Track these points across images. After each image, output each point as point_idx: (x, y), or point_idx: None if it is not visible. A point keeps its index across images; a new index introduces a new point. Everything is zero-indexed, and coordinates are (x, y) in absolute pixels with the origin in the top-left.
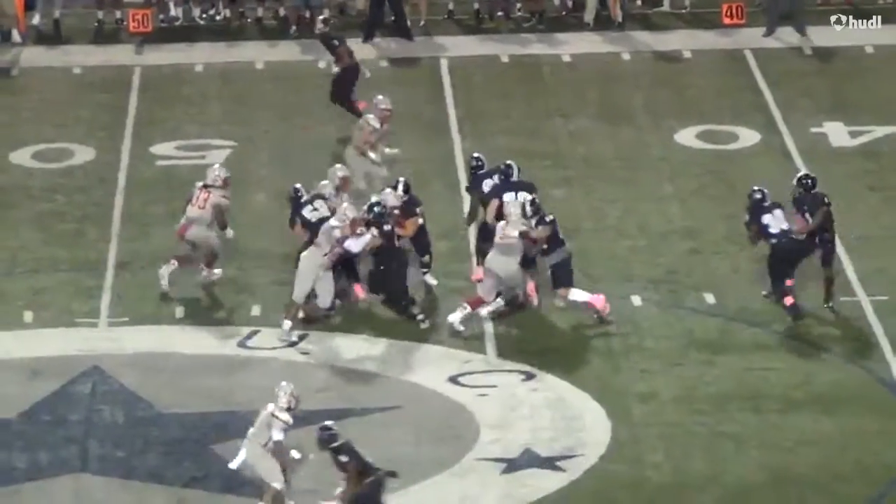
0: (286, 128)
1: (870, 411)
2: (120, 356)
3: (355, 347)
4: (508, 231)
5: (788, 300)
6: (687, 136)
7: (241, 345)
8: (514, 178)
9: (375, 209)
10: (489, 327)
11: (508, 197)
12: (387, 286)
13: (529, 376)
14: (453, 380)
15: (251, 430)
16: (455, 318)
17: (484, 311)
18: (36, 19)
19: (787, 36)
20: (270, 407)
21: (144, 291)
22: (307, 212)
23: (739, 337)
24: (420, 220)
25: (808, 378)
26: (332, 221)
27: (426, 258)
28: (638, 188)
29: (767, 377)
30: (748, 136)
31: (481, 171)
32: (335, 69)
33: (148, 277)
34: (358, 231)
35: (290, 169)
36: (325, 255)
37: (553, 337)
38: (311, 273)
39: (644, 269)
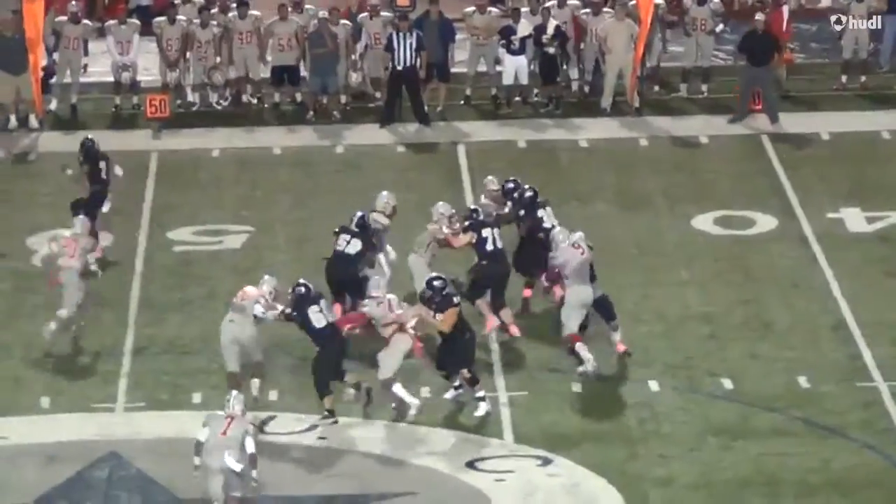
0: (303, 213)
1: (887, 497)
2: (137, 442)
3: (373, 432)
4: None
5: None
6: (704, 222)
7: (258, 429)
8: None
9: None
10: (506, 412)
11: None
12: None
13: (546, 461)
14: (471, 465)
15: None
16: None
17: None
18: (53, 104)
19: (803, 121)
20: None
21: (161, 377)
22: (312, 312)
23: (756, 422)
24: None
25: (825, 463)
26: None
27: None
28: (655, 274)
29: (785, 462)
30: (765, 222)
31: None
32: None
33: (164, 363)
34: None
35: (307, 255)
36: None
37: (570, 422)
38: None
39: (661, 354)
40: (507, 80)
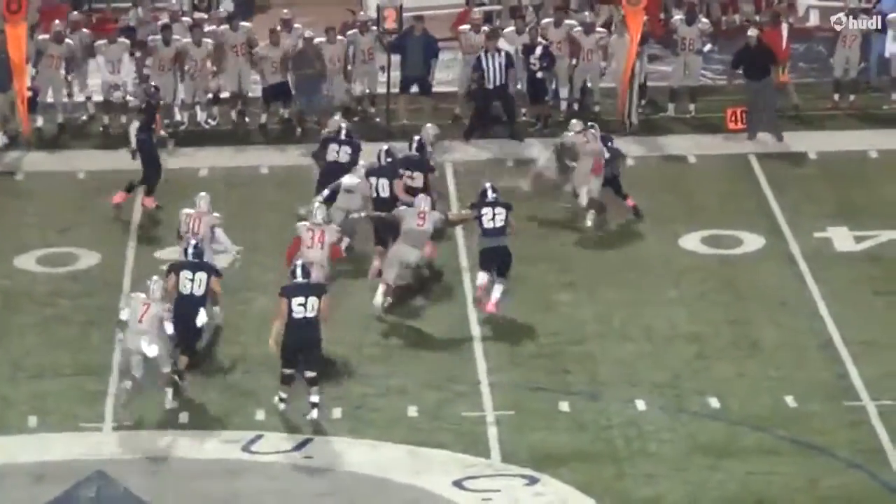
0: (290, 232)
1: None
2: (124, 461)
3: (359, 451)
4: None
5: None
6: (691, 241)
7: (245, 449)
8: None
9: None
10: (493, 431)
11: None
12: None
13: (533, 480)
14: (458, 484)
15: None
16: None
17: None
18: (40, 122)
19: (790, 140)
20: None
21: (148, 396)
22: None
23: (744, 441)
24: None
25: (812, 483)
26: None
27: None
28: (642, 293)
29: (772, 481)
30: (752, 241)
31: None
32: None
33: (152, 382)
34: None
35: None
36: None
37: (557, 441)
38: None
39: (648, 373)
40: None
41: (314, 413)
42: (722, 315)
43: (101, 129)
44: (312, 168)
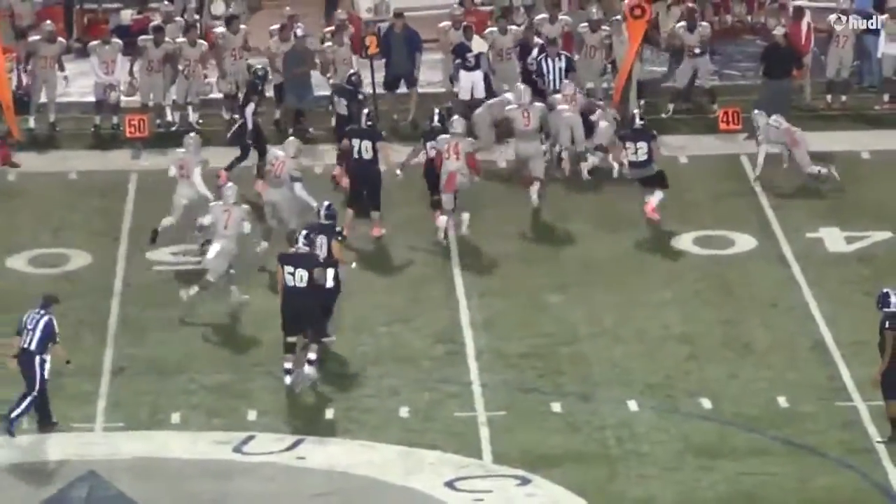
0: (285, 230)
1: None
2: (116, 461)
3: (352, 452)
4: None
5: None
6: (684, 242)
7: (237, 450)
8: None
9: None
10: (485, 432)
11: None
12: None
13: (525, 481)
14: (450, 485)
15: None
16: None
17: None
18: (31, 123)
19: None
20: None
21: (140, 397)
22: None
23: (736, 442)
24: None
25: (803, 483)
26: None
27: None
28: (635, 293)
29: (764, 482)
30: (744, 242)
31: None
32: None
33: (143, 383)
34: None
35: None
36: None
37: (549, 441)
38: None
39: (641, 374)
40: (464, 95)
41: (307, 369)
42: (714, 316)
43: (92, 129)
44: None
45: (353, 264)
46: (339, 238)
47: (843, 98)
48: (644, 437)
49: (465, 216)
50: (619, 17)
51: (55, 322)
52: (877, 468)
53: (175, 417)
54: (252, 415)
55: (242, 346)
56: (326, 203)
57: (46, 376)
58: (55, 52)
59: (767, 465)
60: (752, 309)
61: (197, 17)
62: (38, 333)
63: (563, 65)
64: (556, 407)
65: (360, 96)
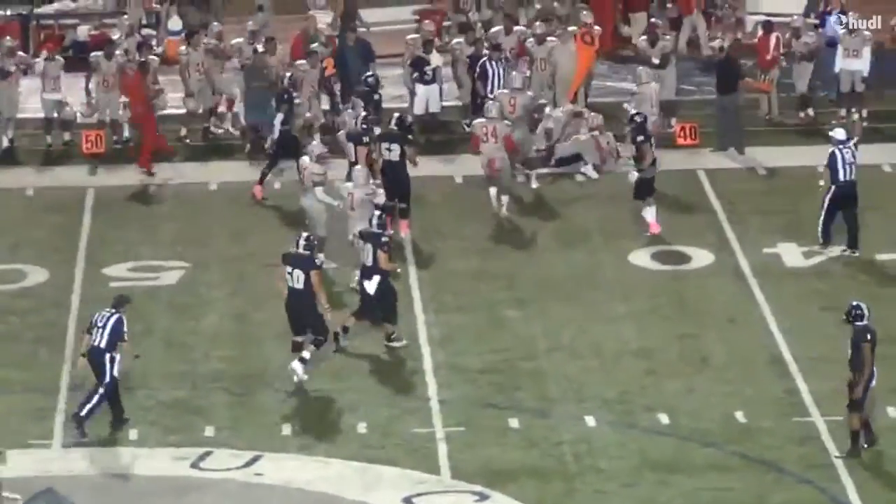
0: (239, 249)
1: None
2: (74, 478)
3: (309, 468)
4: None
5: None
6: (641, 257)
7: (195, 466)
8: None
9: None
10: (443, 448)
11: None
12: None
13: (483, 497)
14: (407, 501)
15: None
16: None
17: None
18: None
19: (739, 156)
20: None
21: (98, 414)
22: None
23: (693, 457)
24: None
25: (761, 498)
26: None
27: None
28: (591, 309)
29: (722, 497)
30: (702, 257)
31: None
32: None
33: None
34: None
35: (243, 291)
36: None
37: (507, 457)
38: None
39: (598, 389)
40: (418, 109)
41: (295, 365)
42: (671, 331)
43: (47, 146)
44: None
45: (398, 270)
46: (386, 248)
47: (811, 112)
48: (602, 452)
49: (505, 199)
50: (566, 28)
51: (125, 321)
52: (835, 483)
53: (133, 434)
54: (209, 431)
55: (199, 361)
56: (377, 213)
57: (116, 374)
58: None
59: (725, 480)
60: (710, 324)
61: (153, 31)
62: (107, 331)
63: (503, 69)
64: (514, 422)
65: (377, 97)
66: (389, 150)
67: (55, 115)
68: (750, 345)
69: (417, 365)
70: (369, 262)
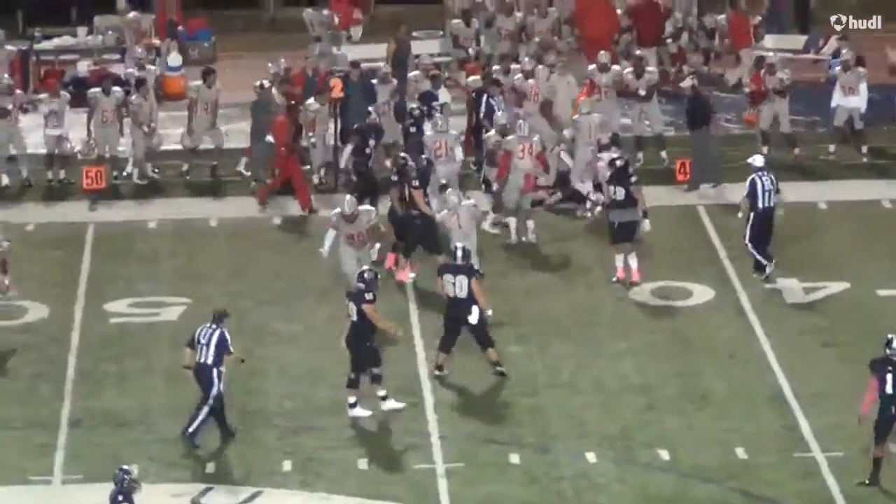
0: (240, 285)
1: None
2: None
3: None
4: None
5: None
6: (641, 293)
7: (196, 502)
8: None
9: None
10: (444, 484)
11: None
12: None
13: None
14: None
15: None
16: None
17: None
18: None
19: (739, 191)
20: None
21: (98, 449)
22: None
23: (694, 493)
24: None
25: None
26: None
27: None
28: (592, 345)
29: None
30: (702, 293)
31: None
32: None
33: (102, 435)
34: None
35: (244, 327)
36: None
37: (508, 493)
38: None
39: (598, 425)
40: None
41: (382, 405)
42: (672, 367)
43: (48, 181)
44: None
45: (490, 311)
46: (479, 275)
47: (797, 151)
48: (602, 488)
49: (531, 224)
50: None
51: (227, 334)
52: None
53: (133, 469)
54: (210, 467)
55: (196, 396)
56: (461, 245)
57: (222, 388)
58: (17, 104)
59: None
60: (710, 360)
61: (153, 67)
62: (212, 347)
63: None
64: (515, 458)
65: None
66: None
67: (56, 151)
68: (750, 381)
69: (418, 401)
70: (464, 294)
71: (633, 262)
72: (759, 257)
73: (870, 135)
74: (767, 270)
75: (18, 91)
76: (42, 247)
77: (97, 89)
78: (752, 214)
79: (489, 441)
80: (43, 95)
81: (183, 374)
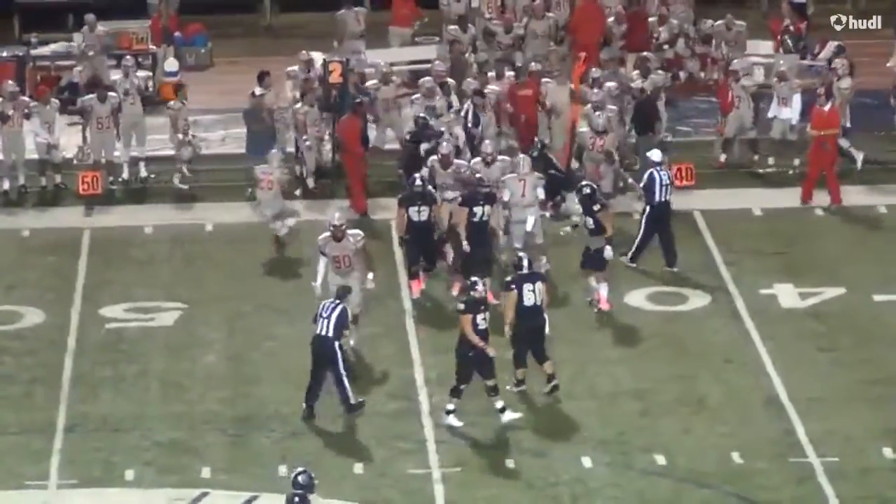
0: (236, 290)
1: None
2: None
3: None
4: None
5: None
6: (636, 298)
7: None
8: None
9: None
10: (440, 489)
11: None
12: None
13: None
14: None
15: None
16: None
17: None
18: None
19: (736, 197)
20: None
21: (94, 454)
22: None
23: (689, 498)
24: None
25: None
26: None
27: None
28: (587, 350)
29: None
30: (698, 298)
31: None
32: None
33: (97, 440)
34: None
35: (239, 332)
36: None
37: (504, 498)
38: None
39: (594, 430)
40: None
41: (502, 417)
42: (668, 372)
43: (40, 188)
44: None
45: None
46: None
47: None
48: (598, 493)
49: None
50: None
51: (349, 311)
52: None
53: (129, 474)
54: (206, 471)
55: (195, 402)
56: (524, 255)
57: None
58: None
59: None
60: (706, 365)
61: (150, 73)
62: (333, 321)
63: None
64: (510, 463)
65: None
66: (419, 212)
67: (47, 157)
68: (746, 385)
69: (414, 406)
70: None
71: (604, 290)
72: (637, 250)
73: (864, 140)
74: (634, 263)
75: (23, 97)
76: (38, 252)
77: (92, 96)
78: (647, 207)
79: (485, 446)
80: (34, 104)
81: (178, 379)
